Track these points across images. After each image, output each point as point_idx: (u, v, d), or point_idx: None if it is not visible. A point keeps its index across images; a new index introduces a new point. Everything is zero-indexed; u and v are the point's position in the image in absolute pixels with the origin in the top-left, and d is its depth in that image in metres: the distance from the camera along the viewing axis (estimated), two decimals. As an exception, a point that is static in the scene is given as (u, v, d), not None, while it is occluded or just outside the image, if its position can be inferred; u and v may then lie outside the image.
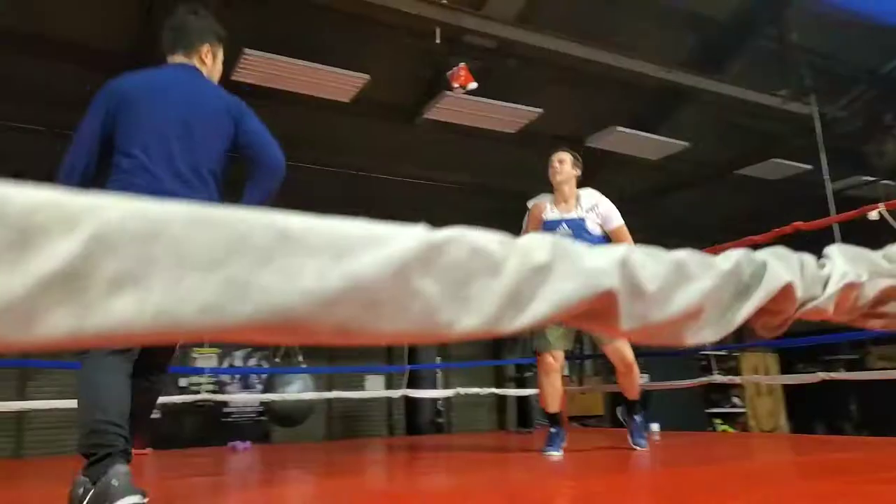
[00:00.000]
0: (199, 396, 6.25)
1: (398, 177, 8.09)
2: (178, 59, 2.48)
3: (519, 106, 6.62)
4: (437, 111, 6.62)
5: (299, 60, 5.69)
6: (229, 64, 5.57)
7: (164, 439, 6.84)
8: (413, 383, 6.58)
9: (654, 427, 5.40)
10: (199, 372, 7.59)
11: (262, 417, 7.55)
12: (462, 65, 5.36)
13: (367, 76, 5.84)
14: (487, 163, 8.17)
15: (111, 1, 5.71)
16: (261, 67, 5.75)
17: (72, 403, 2.32)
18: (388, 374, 8.55)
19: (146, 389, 2.21)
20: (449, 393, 6.48)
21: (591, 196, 3.89)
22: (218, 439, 6.80)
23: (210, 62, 2.54)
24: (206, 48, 2.51)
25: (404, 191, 8.27)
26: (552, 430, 3.76)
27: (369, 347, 8.46)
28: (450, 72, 5.37)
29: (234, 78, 5.88)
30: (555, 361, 3.69)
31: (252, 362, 8.40)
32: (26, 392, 7.12)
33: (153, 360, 2.22)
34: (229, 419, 8.00)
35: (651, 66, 6.38)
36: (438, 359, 7.12)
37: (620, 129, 7.28)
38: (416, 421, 7.10)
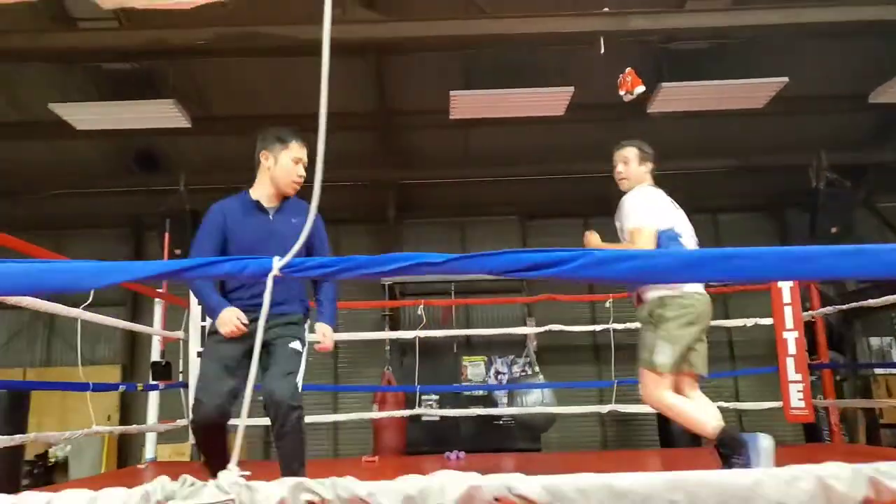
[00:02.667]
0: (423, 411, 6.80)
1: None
2: None
3: (758, 80, 5.74)
4: (662, 103, 6.10)
5: (505, 90, 5.76)
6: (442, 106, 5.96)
7: (440, 441, 7.60)
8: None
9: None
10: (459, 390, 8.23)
11: (510, 424, 7.86)
12: (629, 70, 4.83)
13: (571, 88, 5.66)
14: (730, 143, 7.27)
15: (348, 74, 6.49)
16: (470, 104, 5.96)
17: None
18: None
19: None
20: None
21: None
22: (492, 444, 7.29)
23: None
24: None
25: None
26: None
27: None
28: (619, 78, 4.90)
29: (452, 117, 6.23)
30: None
31: (516, 369, 8.79)
32: (338, 406, 8.60)
33: None
34: (501, 423, 8.49)
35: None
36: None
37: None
38: (668, 432, 6.68)
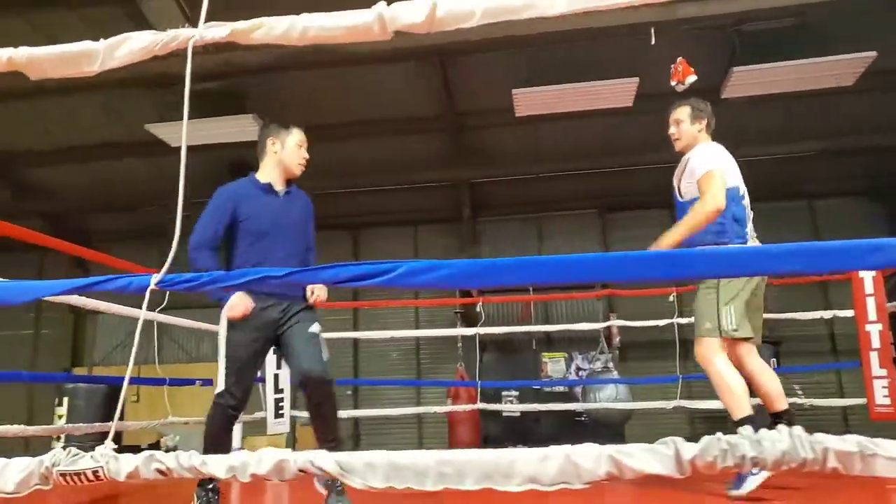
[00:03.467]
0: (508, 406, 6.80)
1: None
2: None
3: (842, 56, 5.38)
4: (736, 88, 5.85)
5: (567, 85, 5.74)
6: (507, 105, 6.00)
7: (519, 436, 7.67)
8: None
9: None
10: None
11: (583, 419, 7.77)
12: (680, 59, 4.64)
13: (636, 79, 5.55)
14: (818, 125, 6.83)
15: (415, 80, 6.67)
16: (534, 100, 5.98)
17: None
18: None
19: None
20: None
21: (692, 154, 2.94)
22: (573, 439, 7.28)
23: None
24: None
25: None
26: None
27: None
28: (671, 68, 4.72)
29: (517, 115, 6.28)
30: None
31: (595, 364, 8.67)
32: (420, 400, 8.85)
33: None
34: (583, 419, 8.42)
35: None
36: (773, 361, 6.23)
37: None
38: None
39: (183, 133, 1.24)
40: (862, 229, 8.15)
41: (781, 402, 2.84)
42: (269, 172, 2.74)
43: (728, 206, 2.73)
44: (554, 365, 8.86)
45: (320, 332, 2.66)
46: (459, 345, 7.43)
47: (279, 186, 2.75)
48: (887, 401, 3.93)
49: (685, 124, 2.98)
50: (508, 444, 7.24)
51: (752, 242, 2.80)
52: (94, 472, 1.05)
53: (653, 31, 4.64)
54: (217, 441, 2.58)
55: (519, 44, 5.80)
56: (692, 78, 4.71)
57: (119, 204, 8.77)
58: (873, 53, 5.36)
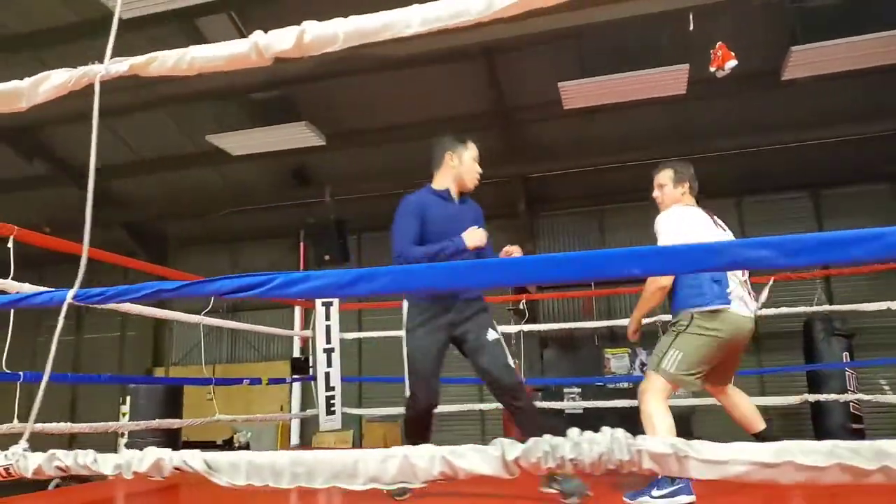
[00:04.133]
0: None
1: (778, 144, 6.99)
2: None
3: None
4: (798, 68, 5.55)
5: (616, 75, 5.63)
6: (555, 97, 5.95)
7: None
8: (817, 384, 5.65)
9: None
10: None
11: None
12: (719, 44, 4.42)
13: (686, 66, 5.38)
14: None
15: (459, 76, 6.70)
16: (583, 92, 5.88)
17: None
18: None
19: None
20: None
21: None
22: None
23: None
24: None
25: (791, 159, 7.11)
26: None
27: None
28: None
29: (566, 107, 6.20)
30: None
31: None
32: (483, 396, 8.89)
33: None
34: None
35: None
36: (846, 355, 5.85)
37: None
38: (824, 425, 6.00)
39: (92, 146, 1.35)
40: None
41: (759, 423, 2.94)
42: (444, 182, 2.89)
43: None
44: (617, 361, 8.69)
45: (500, 336, 2.80)
46: (514, 342, 7.41)
47: (454, 195, 2.91)
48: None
49: (668, 187, 3.00)
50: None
51: (738, 302, 2.75)
52: (6, 469, 1.16)
53: (691, 16, 4.47)
54: (414, 435, 2.82)
55: (564, 36, 5.75)
56: (732, 63, 4.52)
57: (189, 212, 9.24)
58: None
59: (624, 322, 6.83)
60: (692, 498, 2.49)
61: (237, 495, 2.67)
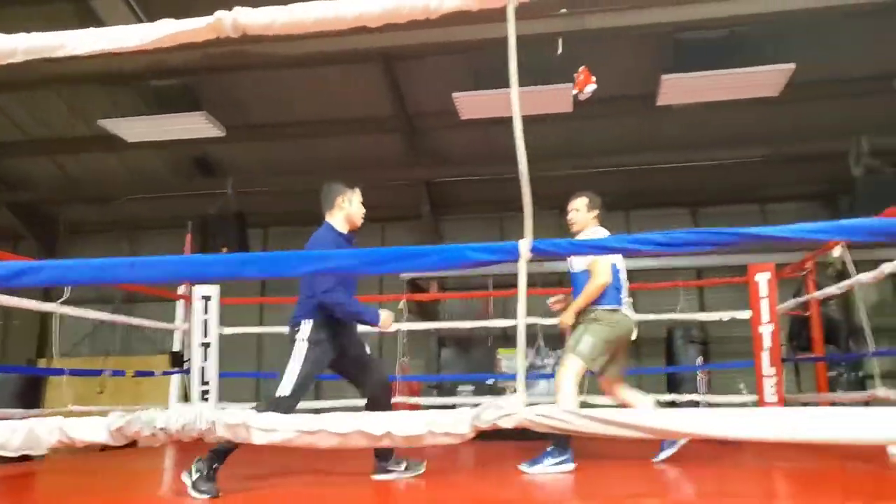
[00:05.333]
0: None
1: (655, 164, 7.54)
2: None
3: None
4: (667, 95, 6.05)
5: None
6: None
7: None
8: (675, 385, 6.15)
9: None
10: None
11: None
12: (583, 68, 4.84)
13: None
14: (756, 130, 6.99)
15: (361, 78, 6.86)
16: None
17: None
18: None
19: None
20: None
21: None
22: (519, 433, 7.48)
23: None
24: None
25: (671, 178, 7.66)
26: None
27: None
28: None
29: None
30: None
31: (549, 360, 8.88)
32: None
33: None
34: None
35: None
36: (699, 359, 6.43)
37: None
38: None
39: None
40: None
41: None
42: (338, 223, 3.17)
43: (614, 275, 3.39)
44: (508, 361, 9.04)
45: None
46: (404, 340, 7.61)
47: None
48: (775, 398, 4.14)
49: (582, 212, 3.54)
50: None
51: (626, 303, 3.45)
52: None
53: (560, 41, 4.82)
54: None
55: (460, 50, 6.01)
56: (592, 87, 4.91)
57: (85, 196, 8.95)
58: (792, 66, 5.56)
59: (511, 322, 7.19)
60: (573, 466, 3.17)
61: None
